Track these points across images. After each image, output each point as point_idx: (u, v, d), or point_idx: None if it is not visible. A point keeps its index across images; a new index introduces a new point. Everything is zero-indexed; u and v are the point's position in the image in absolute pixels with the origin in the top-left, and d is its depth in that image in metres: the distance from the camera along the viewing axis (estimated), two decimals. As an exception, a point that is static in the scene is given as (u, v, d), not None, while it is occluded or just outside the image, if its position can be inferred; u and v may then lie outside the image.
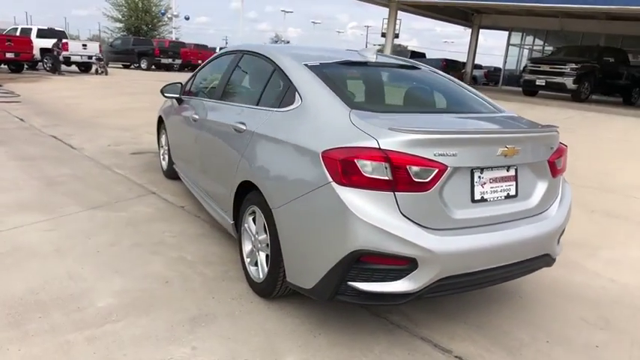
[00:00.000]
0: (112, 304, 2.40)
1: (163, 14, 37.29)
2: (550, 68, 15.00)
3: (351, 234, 1.92)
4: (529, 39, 24.77)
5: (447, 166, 1.97)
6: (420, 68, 3.10)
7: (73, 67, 19.38)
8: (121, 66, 24.87)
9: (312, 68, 2.58)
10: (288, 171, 2.22)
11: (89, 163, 5.22)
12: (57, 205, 3.77)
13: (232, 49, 3.57)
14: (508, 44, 23.80)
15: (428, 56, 27.40)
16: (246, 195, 2.67)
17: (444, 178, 1.98)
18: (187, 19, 41.32)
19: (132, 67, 25.03)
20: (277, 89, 2.73)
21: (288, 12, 61.99)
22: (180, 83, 4.08)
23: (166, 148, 4.72)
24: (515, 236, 2.19)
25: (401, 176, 1.91)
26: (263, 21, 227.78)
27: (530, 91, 16.25)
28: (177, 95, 4.05)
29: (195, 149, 3.52)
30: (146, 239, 3.25)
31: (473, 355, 2.26)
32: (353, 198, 1.93)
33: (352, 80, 2.69)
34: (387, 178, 1.91)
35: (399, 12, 19.32)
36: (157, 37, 34.69)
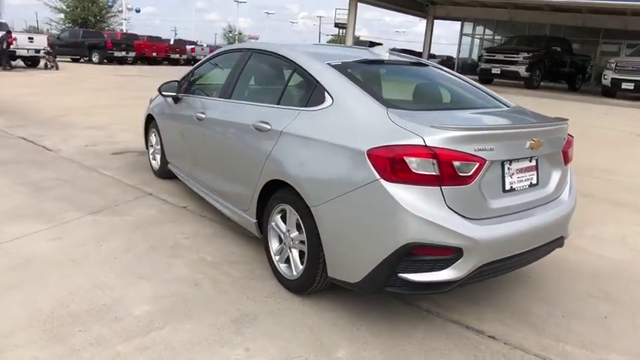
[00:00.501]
0: (150, 311, 2.37)
1: (111, 6, 35.63)
2: (504, 57, 15.67)
3: (403, 228, 2.00)
4: (479, 29, 25.70)
5: (485, 160, 2.09)
6: (428, 65, 3.21)
7: (18, 62, 18.22)
8: (69, 60, 23.60)
9: (336, 67, 2.63)
10: (329, 170, 2.26)
11: (71, 165, 5.00)
12: (54, 211, 3.62)
13: (237, 48, 3.54)
14: (461, 34, 24.60)
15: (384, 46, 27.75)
16: (273, 194, 2.70)
17: (482, 172, 2.09)
18: (138, 11, 39.68)
19: (81, 60, 23.83)
20: (301, 88, 2.75)
21: (241, 2, 60.79)
22: (177, 81, 3.99)
23: (158, 147, 4.61)
24: (540, 221, 2.35)
25: (447, 171, 2.01)
26: (212, 11, 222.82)
27: (487, 79, 16.91)
28: (175, 94, 3.97)
29: (203, 148, 3.48)
30: (160, 242, 3.20)
31: (503, 333, 2.41)
32: (402, 194, 2.01)
33: (376, 79, 2.76)
34: (434, 173, 2.00)
35: (356, 3, 19.45)
36: (106, 29, 33.15)
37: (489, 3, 20.13)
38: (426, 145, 2.01)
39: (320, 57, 2.77)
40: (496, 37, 25.22)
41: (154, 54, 26.46)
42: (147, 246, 3.13)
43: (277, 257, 2.75)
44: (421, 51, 24.68)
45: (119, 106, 9.56)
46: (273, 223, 2.75)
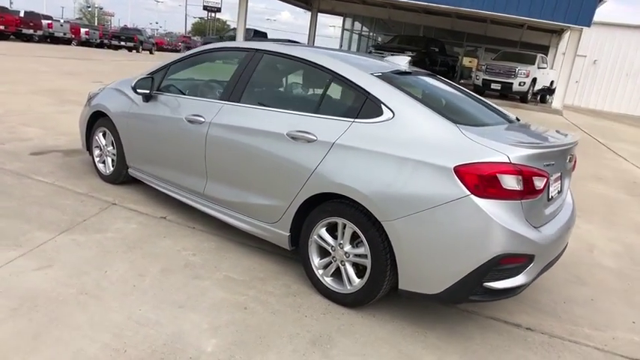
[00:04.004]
0: (222, 346, 2.14)
1: None
2: (392, 55, 16.78)
3: (495, 240, 2.13)
4: (359, 26, 27.10)
5: (549, 175, 2.33)
6: (436, 77, 3.37)
7: None
8: None
9: (381, 79, 2.63)
10: (406, 184, 2.28)
11: (-12, 170, 4.12)
12: (13, 232, 2.97)
13: (236, 46, 3.27)
14: (343, 29, 25.67)
15: (265, 36, 27.53)
16: (317, 206, 2.62)
17: (547, 185, 2.32)
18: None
19: None
20: (345, 99, 2.69)
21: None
22: (151, 77, 3.55)
23: (110, 149, 4.05)
24: (567, 223, 2.69)
25: (528, 186, 2.19)
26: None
27: (375, 74, 17.93)
28: (148, 92, 3.53)
29: (200, 155, 3.16)
30: (170, 262, 2.86)
31: (535, 324, 2.71)
32: (493, 208, 2.14)
33: (419, 92, 2.80)
34: (518, 188, 2.17)
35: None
36: None
37: (371, 1, 21.32)
38: (511, 162, 2.16)
39: (358, 66, 2.74)
40: (372, 34, 26.88)
41: (2, 27, 22.56)
42: (158, 268, 2.78)
43: (321, 271, 2.68)
44: (305, 43, 25.12)
45: (4, 93, 8.03)
46: (315, 237, 2.67)
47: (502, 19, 15.42)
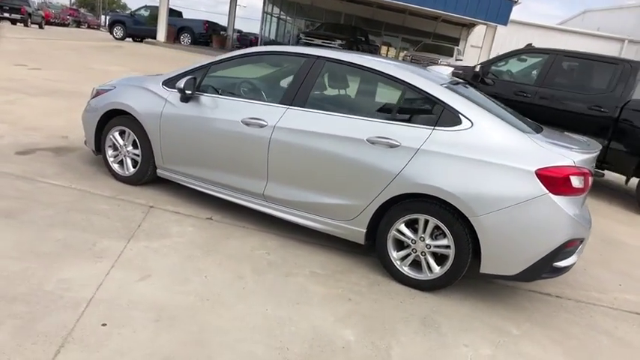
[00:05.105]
0: (358, 334, 2.40)
1: None
2: (322, 42, 17.13)
3: (565, 228, 2.65)
4: (278, 10, 26.97)
5: (592, 174, 2.90)
6: (472, 86, 3.82)
7: None
8: None
9: (451, 90, 3.00)
10: (492, 185, 2.68)
11: (-12, 174, 3.74)
12: (77, 243, 2.86)
13: (293, 51, 3.39)
14: (264, 12, 25.39)
15: (180, 15, 26.16)
16: (398, 204, 2.93)
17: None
18: None
19: None
20: (421, 107, 3.00)
21: None
22: (193, 77, 3.52)
23: (130, 149, 3.92)
24: (588, 211, 3.31)
25: (586, 184, 2.74)
26: None
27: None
28: (191, 92, 3.51)
29: (261, 158, 3.27)
30: (253, 263, 2.99)
31: (560, 292, 3.34)
32: (565, 203, 2.65)
33: (478, 102, 3.18)
34: (581, 186, 2.70)
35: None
36: None
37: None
38: (576, 166, 2.68)
39: (427, 77, 3.07)
40: (289, 19, 26.97)
41: None
42: (248, 269, 2.90)
43: (399, 262, 3.02)
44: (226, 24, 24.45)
45: None
46: (394, 231, 2.99)
47: (421, 11, 16.55)
